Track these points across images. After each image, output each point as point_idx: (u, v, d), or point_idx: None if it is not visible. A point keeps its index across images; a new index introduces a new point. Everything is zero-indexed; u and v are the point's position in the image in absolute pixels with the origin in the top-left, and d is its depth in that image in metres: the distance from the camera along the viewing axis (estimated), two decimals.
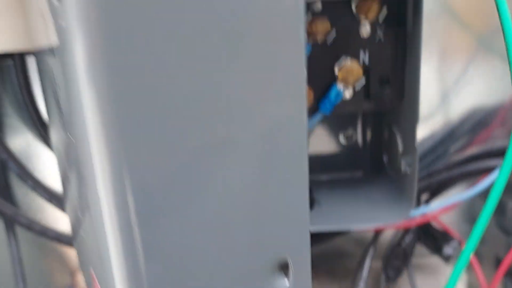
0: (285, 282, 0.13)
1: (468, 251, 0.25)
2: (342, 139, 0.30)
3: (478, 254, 0.35)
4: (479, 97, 0.31)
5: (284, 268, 0.13)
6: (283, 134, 0.12)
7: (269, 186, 0.12)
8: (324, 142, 0.31)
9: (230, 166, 0.12)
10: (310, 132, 0.30)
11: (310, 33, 0.23)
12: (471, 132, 0.32)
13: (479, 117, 0.31)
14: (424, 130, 0.31)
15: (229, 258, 0.12)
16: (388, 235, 0.31)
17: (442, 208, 0.27)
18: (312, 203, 0.28)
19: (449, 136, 0.31)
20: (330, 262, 0.34)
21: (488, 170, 0.26)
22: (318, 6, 0.23)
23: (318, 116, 0.25)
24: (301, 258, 0.13)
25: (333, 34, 0.23)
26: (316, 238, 0.31)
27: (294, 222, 0.13)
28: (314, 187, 0.29)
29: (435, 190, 0.29)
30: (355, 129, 0.30)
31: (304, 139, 0.13)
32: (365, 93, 0.25)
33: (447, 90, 0.31)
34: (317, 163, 0.31)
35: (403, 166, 0.25)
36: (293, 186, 0.12)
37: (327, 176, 0.31)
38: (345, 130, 0.30)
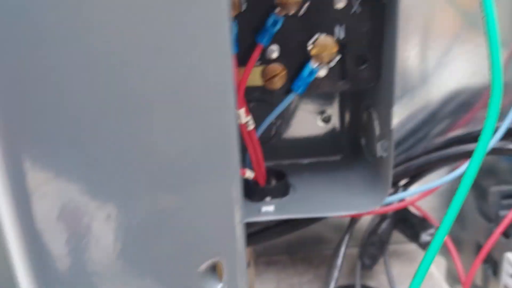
0: (218, 284, 0.12)
1: (441, 235, 0.24)
2: (319, 121, 0.29)
3: (459, 240, 0.35)
4: (463, 77, 0.30)
5: (217, 270, 0.12)
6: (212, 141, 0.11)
7: (198, 185, 0.11)
8: (301, 125, 0.29)
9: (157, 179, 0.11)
10: (283, 112, 0.28)
11: (282, 4, 0.21)
12: (454, 114, 0.30)
13: (463, 98, 0.30)
14: (404, 111, 0.30)
15: (159, 262, 0.11)
16: (366, 219, 0.30)
17: (419, 194, 0.26)
18: (287, 188, 0.27)
19: (430, 118, 0.30)
20: (307, 248, 0.33)
21: (468, 154, 0.25)
22: None
23: (291, 96, 0.23)
24: (235, 260, 0.12)
25: (306, 6, 0.22)
26: (293, 224, 0.30)
27: (225, 224, 0.12)
28: (291, 171, 0.28)
29: (414, 175, 0.27)
30: (332, 111, 0.29)
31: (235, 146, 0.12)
32: (340, 72, 0.23)
33: (430, 69, 0.29)
34: (295, 147, 0.29)
35: (379, 150, 0.24)
36: (224, 186, 0.11)
37: (305, 160, 0.30)
38: (322, 112, 0.29)
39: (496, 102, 0.17)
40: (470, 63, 0.29)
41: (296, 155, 0.29)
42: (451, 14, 0.28)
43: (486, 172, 0.32)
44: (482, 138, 0.18)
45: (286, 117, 0.29)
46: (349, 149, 0.29)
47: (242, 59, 0.22)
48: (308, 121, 0.29)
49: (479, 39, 0.30)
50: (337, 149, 0.29)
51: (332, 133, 0.29)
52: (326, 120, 0.29)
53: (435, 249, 0.23)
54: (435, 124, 0.30)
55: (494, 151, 0.25)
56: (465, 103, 0.30)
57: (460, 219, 0.34)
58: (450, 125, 0.30)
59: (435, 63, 0.29)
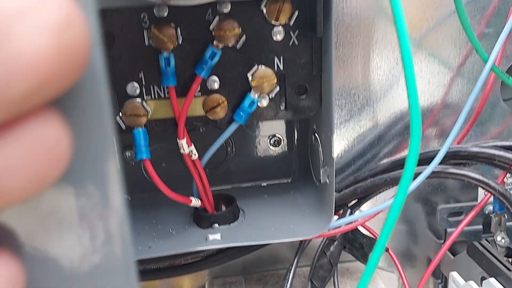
0: None
1: (378, 251, 0.24)
2: (270, 145, 0.29)
3: (412, 255, 0.36)
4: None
5: None
6: None
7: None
8: (253, 150, 0.29)
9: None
10: (233, 137, 0.28)
11: (219, 37, 0.21)
12: (401, 136, 0.31)
13: (409, 119, 0.31)
14: (352, 134, 0.30)
15: None
16: (318, 240, 0.30)
17: (365, 217, 0.26)
18: (236, 214, 0.27)
19: (378, 140, 0.31)
20: (263, 268, 0.33)
21: (413, 177, 0.26)
22: (227, 7, 0.21)
23: (233, 126, 0.23)
24: None
25: (244, 38, 0.22)
26: (244, 247, 0.30)
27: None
28: (242, 195, 0.28)
29: (362, 197, 0.28)
30: (282, 135, 0.29)
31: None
32: (282, 101, 0.23)
33: (375, 92, 0.30)
34: (247, 171, 0.30)
35: (322, 176, 0.24)
36: None
37: (256, 183, 0.30)
38: (272, 136, 0.29)
39: (417, 129, 0.17)
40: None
41: (249, 179, 0.30)
42: (394, 39, 0.29)
43: (436, 189, 0.33)
44: (407, 166, 0.18)
45: (237, 142, 0.29)
46: (299, 172, 0.30)
47: (182, 90, 0.22)
48: (259, 145, 0.29)
49: (422, 62, 0.31)
50: (288, 172, 0.30)
51: (282, 156, 0.29)
52: (276, 143, 0.29)
53: (374, 263, 0.24)
54: (383, 146, 0.31)
55: (435, 175, 0.26)
56: None
57: (413, 235, 0.35)
58: (397, 146, 0.31)
59: (380, 86, 0.30)
